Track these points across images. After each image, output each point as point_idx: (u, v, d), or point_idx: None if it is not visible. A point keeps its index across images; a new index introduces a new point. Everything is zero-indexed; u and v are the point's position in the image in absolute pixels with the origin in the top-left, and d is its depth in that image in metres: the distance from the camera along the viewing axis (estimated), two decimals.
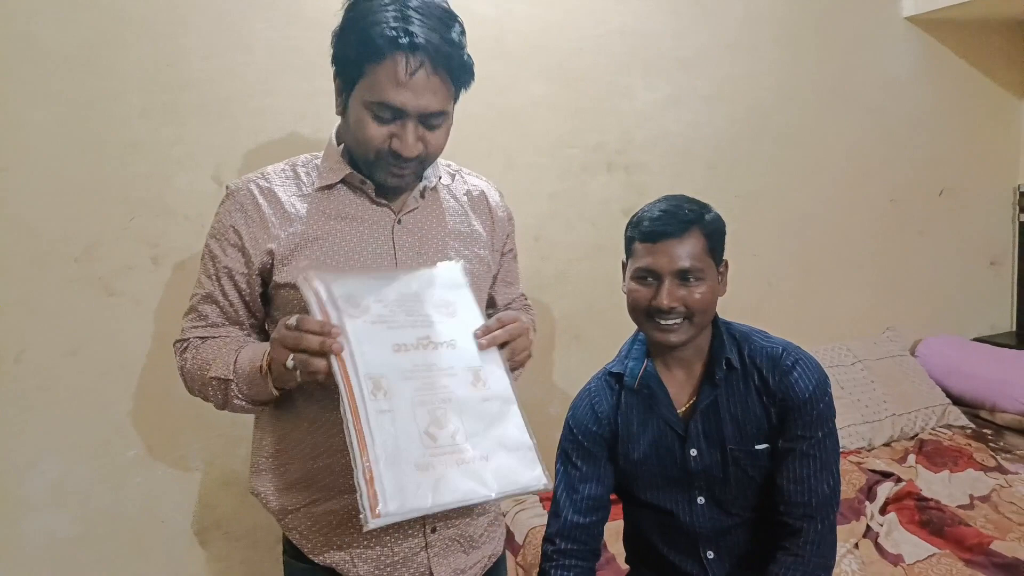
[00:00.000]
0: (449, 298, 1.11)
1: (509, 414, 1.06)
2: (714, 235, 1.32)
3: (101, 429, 1.84)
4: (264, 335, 1.25)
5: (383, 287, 1.08)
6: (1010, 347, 3.00)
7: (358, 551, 1.19)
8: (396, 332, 1.03)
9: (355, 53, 1.06)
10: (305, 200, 1.18)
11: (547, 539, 1.41)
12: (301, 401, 1.19)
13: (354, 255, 1.17)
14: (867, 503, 2.14)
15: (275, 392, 1.11)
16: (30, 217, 1.72)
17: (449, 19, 1.09)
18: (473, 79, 1.12)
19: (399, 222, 1.21)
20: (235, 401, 1.15)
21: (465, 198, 1.32)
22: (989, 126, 3.20)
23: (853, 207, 2.91)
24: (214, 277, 1.18)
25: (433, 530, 1.21)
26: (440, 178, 1.28)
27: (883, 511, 2.11)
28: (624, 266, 1.39)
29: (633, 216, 1.36)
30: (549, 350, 2.41)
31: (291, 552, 1.25)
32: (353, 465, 0.92)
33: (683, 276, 1.28)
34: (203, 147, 1.85)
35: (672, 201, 1.33)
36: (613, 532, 1.61)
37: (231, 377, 1.13)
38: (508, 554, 2.03)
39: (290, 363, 1.00)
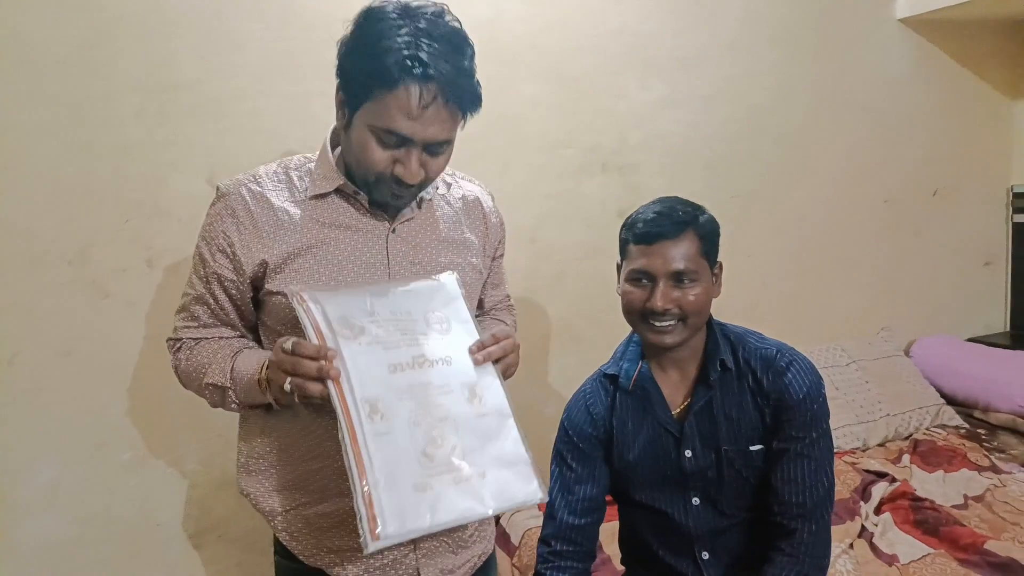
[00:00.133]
0: (443, 313, 1.12)
1: (506, 428, 1.07)
2: (708, 237, 1.32)
3: (96, 431, 1.83)
4: (257, 334, 1.24)
5: (377, 304, 1.08)
6: (1004, 347, 3.01)
7: (348, 554, 1.19)
8: (391, 352, 1.04)
9: (365, 76, 1.04)
10: (298, 206, 1.17)
11: (543, 540, 1.41)
12: (296, 405, 1.19)
13: (347, 264, 1.17)
14: (862, 503, 2.15)
15: (275, 405, 1.12)
16: (24, 219, 1.72)
17: (462, 44, 1.06)
18: (481, 106, 1.10)
19: (393, 231, 1.21)
20: (232, 405, 1.18)
21: (459, 203, 1.32)
22: (983, 127, 3.21)
23: (848, 208, 2.92)
24: (204, 280, 1.18)
25: None
26: (437, 188, 1.28)
27: (878, 511, 2.12)
28: (619, 267, 1.39)
29: (628, 217, 1.36)
30: (545, 351, 2.41)
31: (282, 552, 1.25)
32: (352, 488, 0.94)
33: (677, 278, 1.28)
34: (197, 149, 1.85)
35: (666, 203, 1.33)
36: (609, 533, 1.61)
37: (228, 385, 1.14)
38: (502, 554, 2.03)
39: (287, 387, 1.01)
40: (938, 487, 2.25)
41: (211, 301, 1.18)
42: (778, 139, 2.73)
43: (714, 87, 2.58)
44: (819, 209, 2.86)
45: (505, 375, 1.14)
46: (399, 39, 1.01)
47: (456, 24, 1.07)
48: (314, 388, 0.99)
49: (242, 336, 1.23)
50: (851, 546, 1.95)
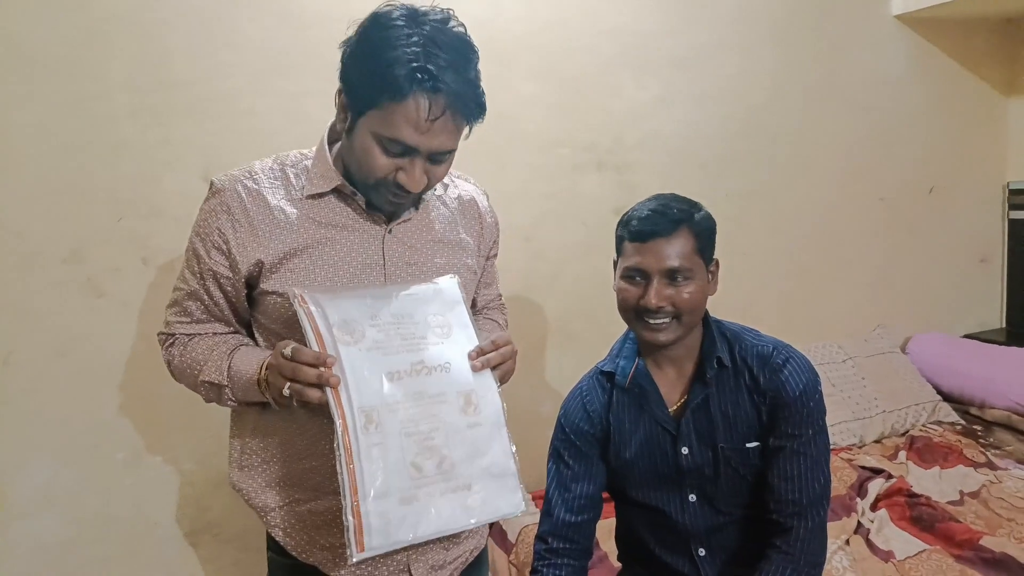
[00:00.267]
0: (444, 317, 1.12)
1: (496, 439, 1.08)
2: (703, 234, 1.32)
3: (91, 431, 1.83)
4: (250, 330, 1.24)
5: (379, 307, 1.08)
6: (1000, 344, 3.01)
7: (340, 551, 1.19)
8: (390, 358, 1.05)
9: (372, 84, 1.02)
10: (294, 205, 1.16)
11: (539, 538, 1.41)
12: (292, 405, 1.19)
13: (343, 265, 1.16)
14: (858, 500, 2.15)
15: (274, 405, 1.12)
16: (17, 219, 1.71)
17: (468, 51, 1.06)
18: (485, 113, 1.10)
19: (390, 232, 1.20)
20: (228, 403, 1.18)
21: (456, 204, 1.32)
22: (978, 124, 3.22)
23: (844, 205, 2.93)
24: (199, 276, 1.17)
25: None
26: (434, 190, 1.27)
27: (874, 507, 2.12)
28: (615, 264, 1.39)
29: (624, 214, 1.36)
30: (541, 350, 2.41)
31: (275, 549, 1.25)
32: (342, 498, 0.96)
33: (671, 275, 1.28)
34: (191, 148, 1.85)
35: (661, 200, 1.33)
36: (605, 530, 1.61)
37: (225, 383, 1.14)
38: (499, 551, 2.03)
39: (286, 391, 1.02)
40: (934, 483, 2.25)
41: (205, 297, 1.17)
42: (774, 137, 2.74)
43: (710, 86, 2.58)
44: (815, 207, 2.86)
45: (501, 380, 1.15)
46: (408, 49, 1.00)
47: (461, 30, 1.07)
48: (313, 395, 0.99)
49: (236, 332, 1.23)
50: (847, 542, 1.96)
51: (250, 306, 1.20)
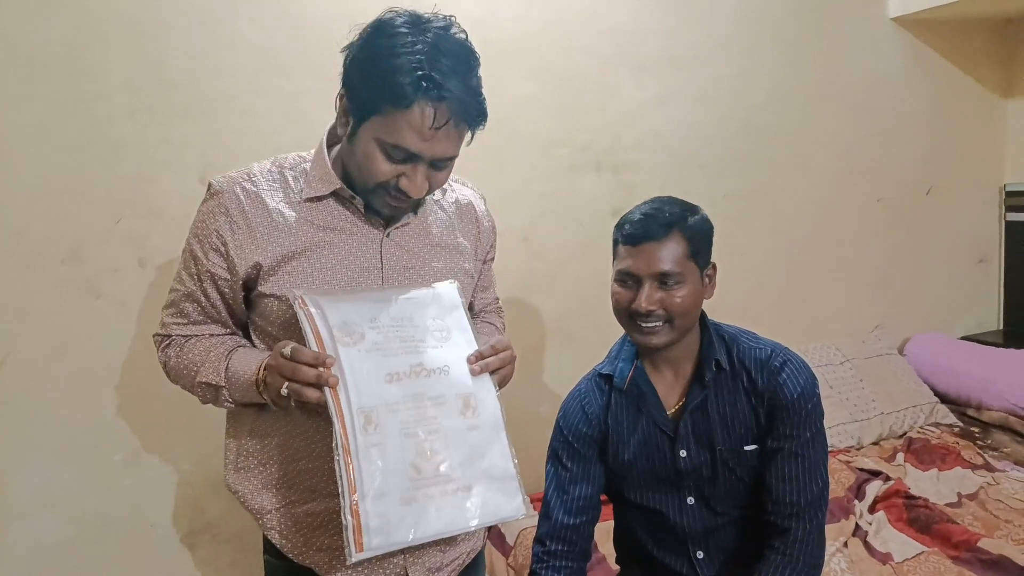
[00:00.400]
0: (444, 321, 1.13)
1: (496, 442, 1.08)
2: (697, 238, 1.31)
3: (89, 432, 1.83)
4: (246, 332, 1.24)
5: (378, 311, 1.08)
6: (998, 345, 3.02)
7: (337, 553, 1.19)
8: (390, 360, 1.05)
9: (376, 92, 1.03)
10: (293, 208, 1.16)
11: (537, 540, 1.41)
12: (289, 406, 1.18)
13: (341, 268, 1.16)
14: (856, 502, 2.15)
15: (272, 406, 1.12)
16: (15, 219, 1.71)
17: (471, 60, 1.07)
18: (487, 119, 1.10)
19: (388, 236, 1.20)
20: (225, 404, 1.18)
21: (453, 208, 1.32)
22: (975, 125, 3.22)
23: (841, 206, 2.93)
24: (196, 277, 1.17)
25: None
26: (432, 194, 1.27)
27: (872, 509, 2.13)
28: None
29: (620, 218, 1.36)
30: (539, 351, 2.41)
31: (271, 551, 1.25)
32: (340, 497, 0.95)
33: (662, 279, 1.28)
34: (189, 148, 1.85)
35: (655, 204, 1.33)
36: (604, 532, 1.61)
37: (222, 384, 1.14)
38: (498, 554, 2.03)
39: (284, 391, 1.02)
40: (932, 485, 2.26)
41: (202, 299, 1.17)
42: (771, 138, 2.74)
43: (708, 86, 2.58)
44: (813, 207, 2.86)
45: (500, 385, 1.15)
46: (412, 56, 1.00)
47: (463, 36, 1.07)
48: (311, 394, 0.99)
49: (232, 333, 1.23)
50: (845, 544, 1.96)
51: (247, 308, 1.20)
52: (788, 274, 2.85)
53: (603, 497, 1.45)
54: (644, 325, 1.30)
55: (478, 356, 1.11)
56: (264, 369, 1.09)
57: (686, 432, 1.35)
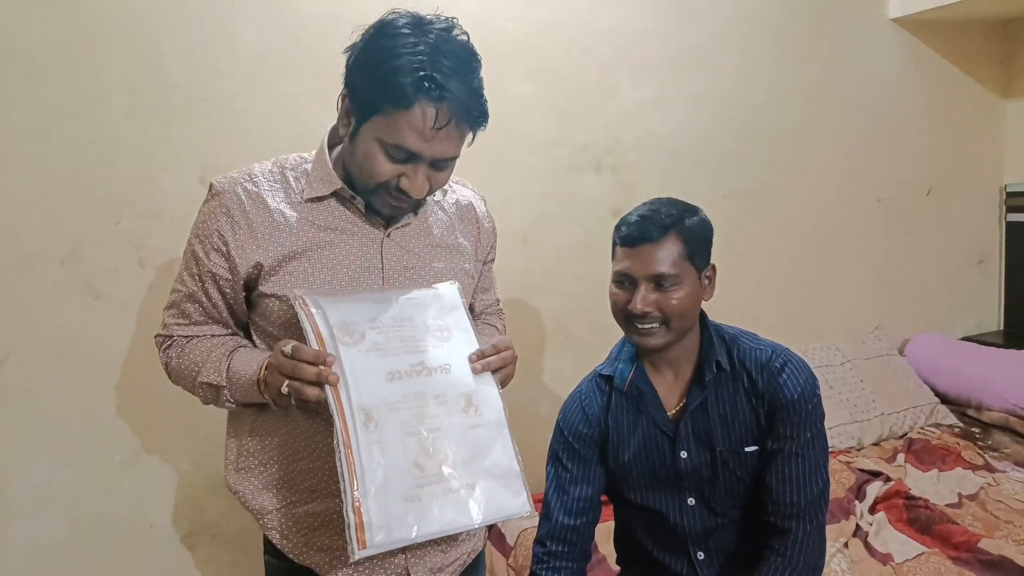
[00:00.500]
0: (444, 321, 1.13)
1: (499, 440, 1.08)
2: (694, 239, 1.31)
3: (88, 432, 1.83)
4: (247, 332, 1.24)
5: (379, 311, 1.08)
6: (998, 346, 3.02)
7: (338, 553, 1.19)
8: (390, 359, 1.05)
9: (377, 91, 1.03)
10: (294, 209, 1.16)
11: (538, 541, 1.41)
12: (290, 406, 1.18)
13: (342, 268, 1.16)
14: (856, 502, 2.15)
15: (273, 406, 1.12)
16: (15, 220, 1.71)
17: (473, 61, 1.07)
18: (488, 120, 1.11)
19: (388, 236, 1.20)
20: (226, 404, 1.18)
21: (453, 209, 1.32)
22: (975, 126, 3.22)
23: (841, 207, 2.93)
24: (197, 278, 1.17)
25: None
26: (433, 195, 1.27)
27: (872, 510, 2.12)
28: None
29: (620, 219, 1.36)
30: (539, 351, 2.40)
31: (271, 552, 1.25)
32: (342, 495, 0.95)
33: (658, 281, 1.28)
34: (188, 148, 1.85)
35: (653, 205, 1.33)
36: (604, 533, 1.61)
37: (223, 384, 1.14)
38: (498, 554, 2.03)
39: (285, 389, 1.02)
40: (932, 486, 2.25)
41: (204, 299, 1.17)
42: (771, 138, 2.74)
43: (706, 86, 2.58)
44: (812, 208, 2.86)
45: (501, 384, 1.15)
46: (414, 57, 1.01)
47: (465, 38, 1.08)
48: (311, 392, 1.00)
49: (234, 334, 1.23)
50: (846, 545, 1.96)
51: (248, 308, 1.20)
52: (788, 274, 2.85)
53: (603, 498, 1.45)
54: (640, 326, 1.30)
55: (480, 355, 1.12)
56: (265, 368, 1.09)
57: (686, 433, 1.35)
